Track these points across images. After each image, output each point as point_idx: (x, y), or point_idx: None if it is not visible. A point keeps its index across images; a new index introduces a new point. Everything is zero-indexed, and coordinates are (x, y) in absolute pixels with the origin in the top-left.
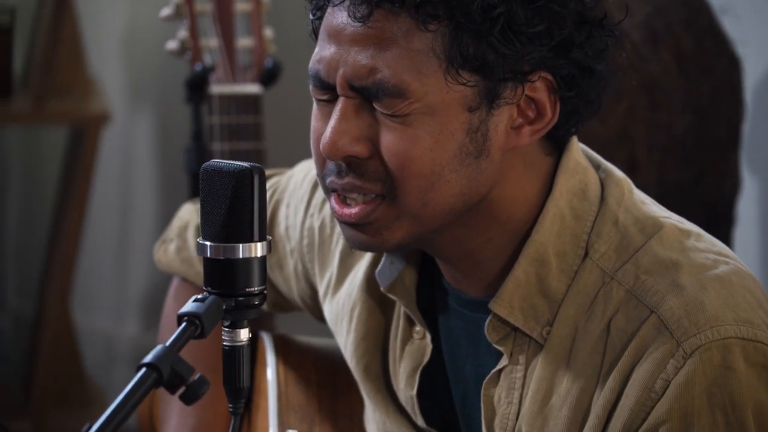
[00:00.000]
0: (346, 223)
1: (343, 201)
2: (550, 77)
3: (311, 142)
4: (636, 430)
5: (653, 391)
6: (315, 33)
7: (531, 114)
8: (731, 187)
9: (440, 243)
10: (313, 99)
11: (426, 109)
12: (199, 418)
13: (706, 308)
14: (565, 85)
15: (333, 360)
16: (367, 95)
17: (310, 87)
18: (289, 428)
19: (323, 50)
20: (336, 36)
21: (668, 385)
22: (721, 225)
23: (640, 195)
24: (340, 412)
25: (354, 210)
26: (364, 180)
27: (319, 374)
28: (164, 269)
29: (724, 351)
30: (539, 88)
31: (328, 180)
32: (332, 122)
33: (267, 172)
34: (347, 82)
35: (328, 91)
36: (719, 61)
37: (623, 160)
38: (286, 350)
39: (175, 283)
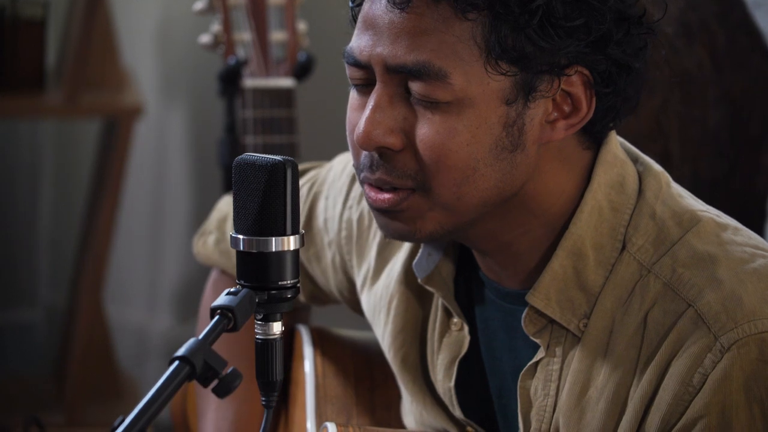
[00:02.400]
0: (380, 209)
1: (377, 188)
2: (586, 72)
3: (347, 132)
4: (675, 424)
5: (691, 385)
6: (354, 20)
7: (566, 108)
8: (764, 181)
9: (476, 235)
10: (350, 87)
11: (466, 100)
12: (236, 411)
13: (744, 302)
14: (601, 80)
15: (370, 352)
16: (408, 74)
17: (346, 68)
18: (327, 420)
19: (360, 37)
20: (374, 24)
21: (706, 380)
22: (754, 219)
23: (677, 188)
24: (377, 404)
25: (387, 195)
26: (394, 176)
27: (357, 366)
28: (203, 261)
29: (761, 345)
30: (575, 83)
31: (362, 174)
32: (367, 112)
33: (305, 166)
34: (385, 63)
35: (363, 70)
36: (753, 55)
37: (657, 154)
38: (323, 343)
39: (213, 275)
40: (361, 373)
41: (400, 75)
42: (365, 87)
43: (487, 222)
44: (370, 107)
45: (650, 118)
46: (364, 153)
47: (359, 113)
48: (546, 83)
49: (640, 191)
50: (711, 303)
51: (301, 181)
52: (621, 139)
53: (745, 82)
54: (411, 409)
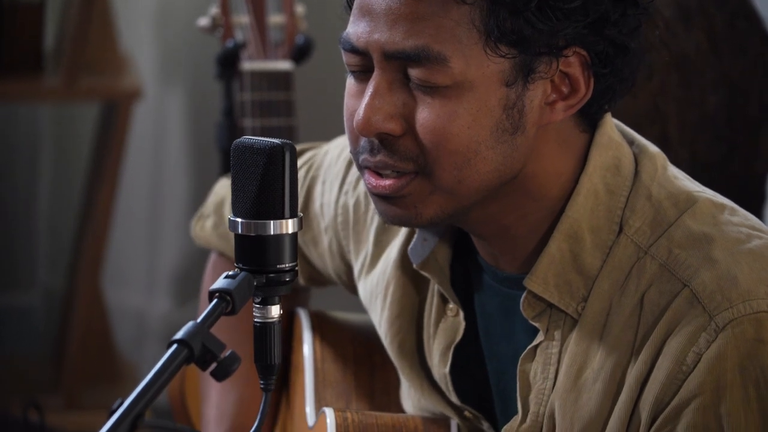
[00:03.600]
0: (380, 195)
1: (377, 174)
2: (584, 53)
3: (345, 119)
4: (668, 403)
5: (685, 365)
6: (349, 6)
7: (565, 89)
8: (763, 164)
9: (475, 219)
10: (347, 74)
11: (466, 84)
12: (240, 393)
13: (739, 282)
14: (599, 61)
15: (370, 336)
16: (406, 60)
17: (343, 54)
18: (326, 404)
19: (357, 23)
20: (371, 9)
21: (700, 359)
22: (753, 202)
23: (673, 170)
24: (376, 389)
25: (388, 182)
26: (395, 159)
27: (356, 351)
28: (202, 244)
29: (756, 325)
30: (573, 64)
31: (362, 158)
32: (366, 98)
33: (302, 146)
34: (383, 49)
35: (360, 56)
36: (751, 39)
37: (655, 136)
38: (322, 327)
39: (212, 258)
40: (360, 357)
41: (398, 61)
42: (363, 73)
43: (487, 205)
44: (369, 93)
45: (648, 101)
46: (364, 138)
47: (357, 100)
48: (545, 65)
49: (636, 173)
50: (706, 282)
51: (298, 163)
52: (617, 122)
53: (743, 66)
54: (409, 394)
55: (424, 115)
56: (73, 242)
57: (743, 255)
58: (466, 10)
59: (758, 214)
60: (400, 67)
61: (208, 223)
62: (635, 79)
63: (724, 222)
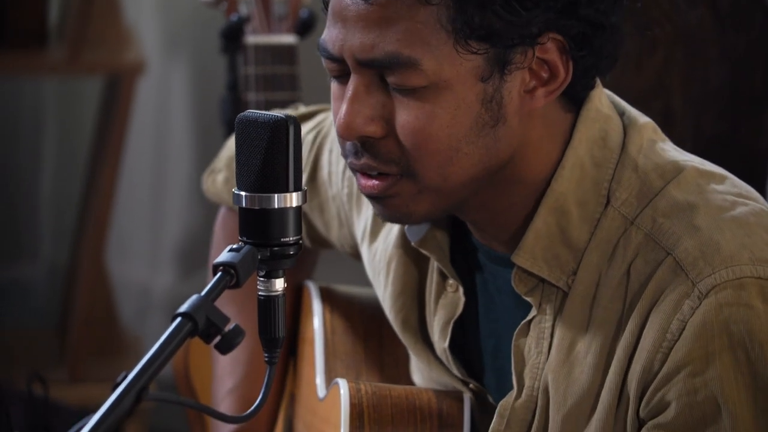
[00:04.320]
0: (371, 196)
1: (366, 175)
2: (560, 38)
3: (334, 122)
4: (656, 373)
5: (670, 332)
6: (326, 8)
7: (544, 75)
8: (766, 139)
9: (468, 208)
10: (330, 78)
11: (442, 83)
12: (251, 348)
13: (722, 249)
14: (576, 44)
15: (379, 310)
16: (379, 67)
17: (322, 60)
18: (336, 376)
19: (331, 29)
20: (342, 15)
21: (685, 326)
22: (756, 176)
23: (662, 140)
24: (386, 361)
25: (375, 182)
26: (378, 162)
27: (366, 324)
28: (212, 199)
29: (740, 290)
30: (550, 50)
31: (349, 161)
32: (345, 103)
33: (312, 108)
34: (355, 57)
35: (338, 64)
36: (755, 14)
37: (659, 111)
38: (332, 300)
39: (222, 212)
40: (370, 330)
41: (372, 67)
42: (343, 77)
43: (480, 195)
44: (348, 97)
45: (652, 75)
46: (348, 141)
47: (340, 102)
48: (520, 55)
49: (624, 145)
50: (689, 250)
51: (308, 126)
52: (608, 92)
53: (747, 41)
54: (418, 367)
55: (403, 116)
56: (77, 216)
57: (726, 222)
58: (432, 10)
59: (762, 188)
60: (376, 71)
61: (220, 177)
62: (619, 54)
63: (709, 190)
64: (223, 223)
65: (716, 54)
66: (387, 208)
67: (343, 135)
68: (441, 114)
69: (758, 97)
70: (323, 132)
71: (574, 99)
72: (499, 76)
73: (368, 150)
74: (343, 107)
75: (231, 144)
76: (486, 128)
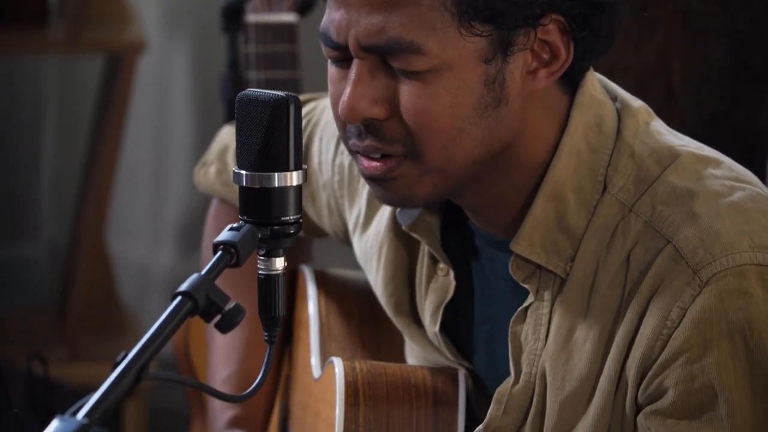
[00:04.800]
0: (374, 178)
1: (368, 157)
2: (561, 19)
3: (330, 105)
4: (655, 360)
5: (670, 320)
6: None
7: (545, 56)
8: (767, 116)
9: (468, 192)
10: (328, 61)
11: (444, 65)
12: (246, 337)
13: (722, 236)
14: (577, 24)
15: (373, 293)
16: (382, 53)
17: (322, 47)
18: (332, 357)
19: (332, 13)
20: (345, 1)
21: (685, 314)
22: (757, 154)
23: (657, 125)
24: (381, 343)
25: (378, 164)
26: (383, 142)
27: (360, 306)
28: (204, 191)
29: (740, 278)
30: (552, 31)
31: (351, 142)
32: (348, 86)
33: (303, 97)
34: (359, 42)
35: (339, 50)
36: None
37: (660, 89)
38: (327, 283)
39: (214, 204)
40: (364, 313)
41: (375, 52)
42: (343, 62)
43: (481, 178)
44: (352, 81)
45: (653, 55)
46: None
47: (340, 85)
48: (522, 36)
49: (619, 130)
50: (689, 238)
51: None
52: (600, 76)
53: (748, 18)
54: (413, 348)
55: (407, 97)
56: (78, 194)
57: (725, 208)
58: None
59: (762, 165)
60: (378, 55)
61: (211, 170)
62: (615, 35)
63: (706, 176)
64: (216, 214)
65: (717, 33)
66: (388, 190)
67: (347, 118)
68: (444, 95)
69: (759, 75)
70: (313, 121)
71: (571, 81)
72: (502, 58)
73: (372, 132)
74: (347, 91)
75: (222, 136)
76: (489, 109)
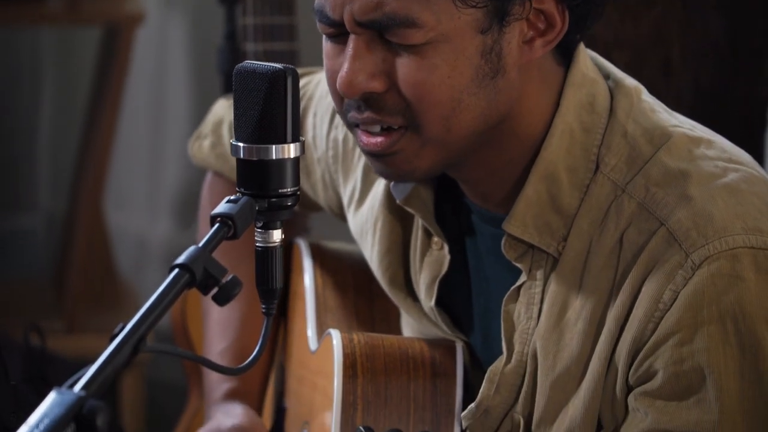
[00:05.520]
0: (374, 154)
1: (368, 132)
2: None
3: (326, 79)
4: (646, 341)
5: (662, 302)
6: None
7: (541, 26)
8: (765, 89)
9: (466, 165)
10: (323, 37)
11: (440, 37)
12: (243, 310)
13: (715, 219)
14: None
15: (369, 266)
16: (378, 28)
17: (317, 23)
18: (328, 329)
19: None
20: None
21: (677, 296)
22: (755, 128)
23: (651, 103)
24: (377, 316)
25: (379, 139)
26: (383, 114)
27: (356, 279)
28: (199, 164)
29: (733, 261)
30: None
31: (349, 115)
32: (346, 62)
33: (302, 71)
34: (354, 18)
35: (335, 27)
36: None
37: (657, 62)
38: (322, 256)
39: (209, 177)
40: (360, 285)
41: (371, 27)
42: (339, 37)
43: (479, 151)
44: (349, 55)
45: (651, 26)
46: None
47: (336, 60)
48: (518, 6)
49: (612, 110)
50: (682, 220)
51: None
52: (592, 53)
53: None
54: (408, 322)
55: (404, 70)
56: (75, 166)
57: (718, 190)
58: None
59: (760, 139)
60: (375, 30)
61: (206, 143)
62: (605, 3)
63: (699, 156)
64: (210, 187)
65: (715, 6)
66: (389, 165)
67: (346, 93)
68: (441, 66)
69: (757, 47)
70: (307, 95)
71: (566, 51)
72: (498, 28)
73: (371, 105)
74: (345, 66)
75: (217, 109)
76: (486, 80)
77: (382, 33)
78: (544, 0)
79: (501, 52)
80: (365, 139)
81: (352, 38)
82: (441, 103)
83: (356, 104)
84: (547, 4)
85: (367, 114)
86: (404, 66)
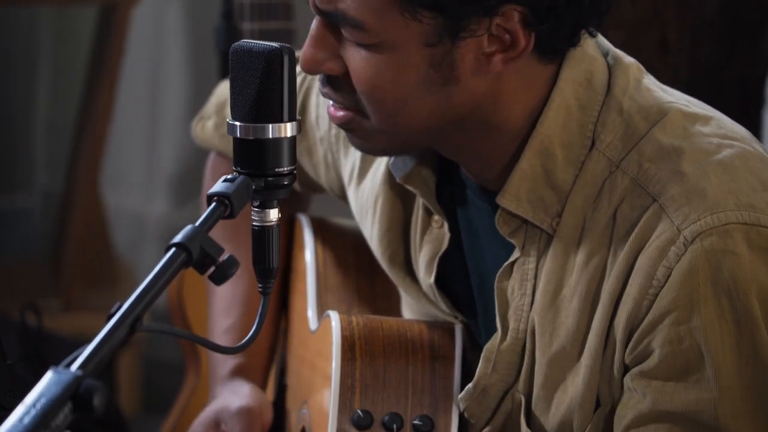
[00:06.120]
0: (337, 125)
1: (333, 105)
2: (520, 9)
3: None
4: (642, 319)
5: (656, 279)
6: None
7: (506, 41)
8: (762, 68)
9: (446, 149)
10: None
11: (386, 43)
12: (247, 286)
13: (708, 195)
14: (537, 17)
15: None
16: (332, 21)
17: None
18: (328, 308)
19: None
20: None
21: (671, 273)
22: (751, 106)
23: (647, 81)
24: (378, 295)
25: (340, 113)
26: (338, 94)
27: (357, 257)
28: (202, 145)
29: (725, 236)
30: (511, 18)
31: (318, 84)
32: (307, 42)
33: (297, 53)
34: (316, 3)
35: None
36: None
37: (654, 41)
38: (324, 232)
39: (212, 157)
40: (361, 264)
41: (327, 18)
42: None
43: (451, 138)
44: (311, 35)
45: (647, 5)
46: None
47: None
48: (474, 24)
49: (609, 86)
50: (675, 196)
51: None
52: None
53: None
54: (408, 302)
55: (353, 64)
56: (72, 144)
57: (712, 166)
58: None
59: (756, 118)
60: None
61: (210, 123)
62: (605, 5)
63: (694, 133)
64: (213, 168)
65: None
66: (354, 138)
67: (306, 70)
68: (386, 71)
69: (753, 25)
70: (310, 75)
71: (554, 54)
72: (450, 42)
73: (330, 83)
74: (305, 44)
75: (221, 90)
76: (435, 86)
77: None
78: (509, 18)
79: (453, 63)
80: (330, 110)
81: (316, 19)
82: (385, 102)
83: (322, 77)
84: (512, 24)
85: (326, 90)
86: (353, 60)
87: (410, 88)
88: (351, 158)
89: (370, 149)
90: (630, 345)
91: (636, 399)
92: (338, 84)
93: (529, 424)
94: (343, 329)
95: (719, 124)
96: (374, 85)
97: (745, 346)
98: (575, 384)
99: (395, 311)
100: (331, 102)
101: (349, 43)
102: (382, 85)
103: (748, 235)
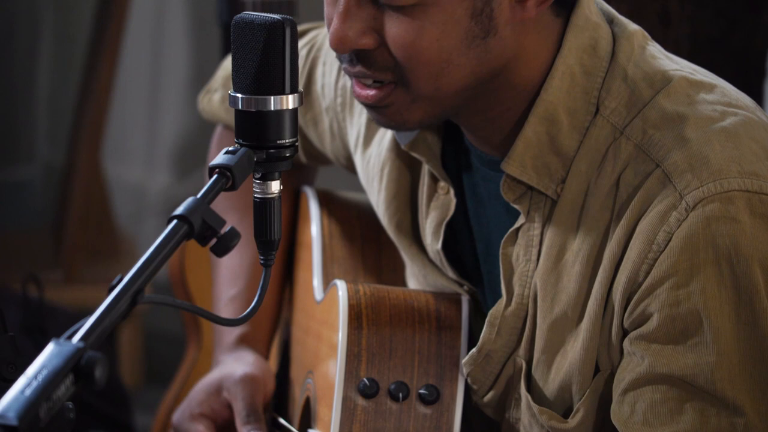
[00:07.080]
0: (366, 105)
1: (362, 84)
2: None
3: (328, 29)
4: (640, 284)
5: (656, 243)
6: None
7: None
8: (764, 39)
9: (462, 114)
10: None
11: (429, 0)
12: (253, 256)
13: (710, 161)
14: None
15: (376, 215)
16: None
17: None
18: (334, 279)
19: None
20: None
21: (671, 238)
22: (752, 78)
23: (652, 49)
24: (384, 266)
25: (371, 92)
26: (373, 69)
27: (363, 229)
28: (208, 118)
29: (727, 203)
30: None
31: (343, 66)
32: (336, 18)
33: (304, 27)
34: None
35: None
36: None
37: (655, 13)
38: (330, 204)
39: (218, 130)
40: (367, 235)
41: None
42: None
43: (474, 102)
44: (339, 13)
45: None
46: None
47: (333, 8)
48: None
49: (613, 54)
50: (678, 162)
51: (301, 43)
52: None
53: None
54: (413, 272)
55: (393, 30)
56: (73, 117)
57: (715, 133)
58: None
59: (758, 89)
60: None
61: (216, 96)
62: None
63: (698, 101)
64: (219, 141)
65: None
66: (382, 116)
67: (337, 49)
68: (430, 29)
69: None
70: (316, 45)
71: (564, 3)
72: None
73: (362, 60)
74: (335, 22)
75: (227, 64)
76: (477, 40)
77: None
78: None
79: (492, 13)
80: (358, 90)
81: None
82: (429, 64)
83: (348, 57)
84: None
85: (358, 68)
86: (393, 26)
87: (454, 44)
88: (356, 125)
89: (402, 123)
90: (628, 309)
91: (635, 362)
92: (371, 59)
93: (528, 390)
94: (350, 297)
95: (724, 92)
96: (419, 47)
97: (744, 313)
98: (575, 349)
99: (401, 283)
100: (356, 81)
101: (386, 13)
102: (427, 47)
103: (751, 203)
